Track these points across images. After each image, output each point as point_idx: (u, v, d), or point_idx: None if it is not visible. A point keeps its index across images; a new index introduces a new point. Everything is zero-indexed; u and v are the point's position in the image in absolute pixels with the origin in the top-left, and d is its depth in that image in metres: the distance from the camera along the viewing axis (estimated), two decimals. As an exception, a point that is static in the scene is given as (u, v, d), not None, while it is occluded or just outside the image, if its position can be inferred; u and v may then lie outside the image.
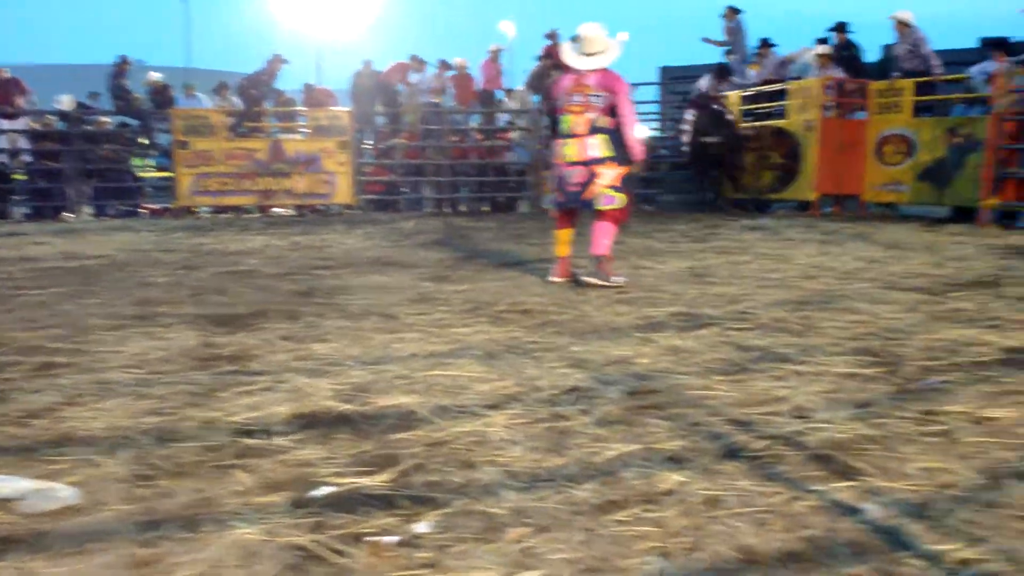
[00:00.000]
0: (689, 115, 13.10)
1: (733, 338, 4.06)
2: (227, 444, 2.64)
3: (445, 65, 15.23)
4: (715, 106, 12.86)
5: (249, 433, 2.74)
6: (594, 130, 5.70)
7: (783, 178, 12.47)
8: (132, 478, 2.38)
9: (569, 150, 5.79)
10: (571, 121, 5.77)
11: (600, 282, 5.73)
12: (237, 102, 14.60)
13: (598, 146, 5.69)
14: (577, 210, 5.98)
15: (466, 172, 14.90)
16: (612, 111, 5.68)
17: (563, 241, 6.07)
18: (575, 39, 5.86)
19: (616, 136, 5.69)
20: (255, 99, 13.80)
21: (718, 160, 13.06)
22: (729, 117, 12.88)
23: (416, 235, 9.88)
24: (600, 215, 5.79)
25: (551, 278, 6.00)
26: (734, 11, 13.96)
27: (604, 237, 5.82)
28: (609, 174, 5.71)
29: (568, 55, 5.83)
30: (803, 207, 12.45)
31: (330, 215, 13.81)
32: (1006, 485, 2.27)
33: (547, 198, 6.23)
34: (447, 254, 7.84)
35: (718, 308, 4.85)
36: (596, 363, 3.61)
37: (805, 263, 6.83)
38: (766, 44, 13.77)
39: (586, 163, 5.72)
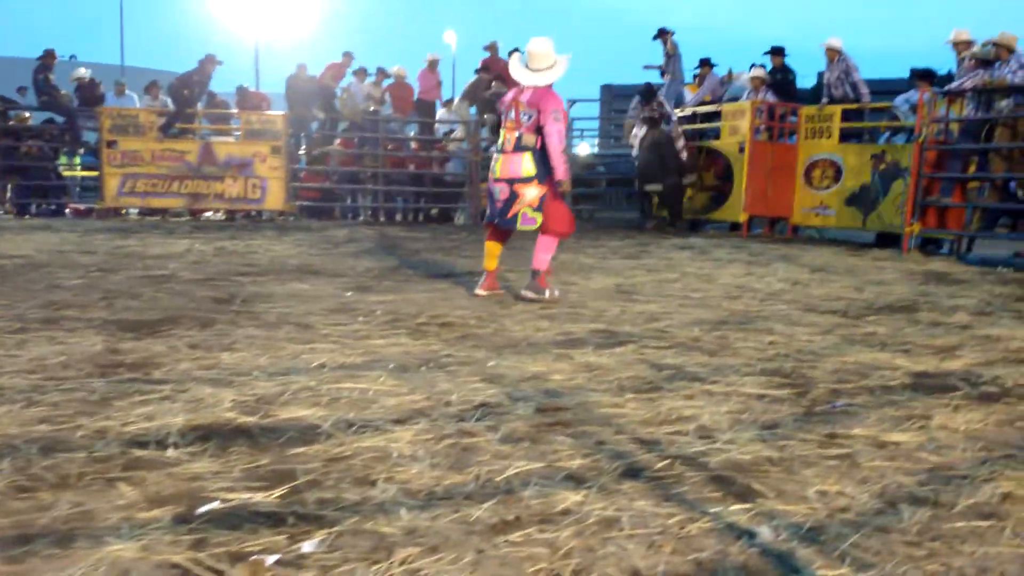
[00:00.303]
0: (640, 131, 13.04)
1: (649, 356, 4.07)
2: (116, 455, 2.54)
3: (383, 73, 15.12)
4: (665, 128, 12.78)
5: (141, 444, 2.64)
6: (520, 147, 5.67)
7: (716, 199, 12.64)
8: (9, 490, 2.27)
9: (497, 166, 5.79)
10: (503, 137, 5.78)
11: (535, 296, 5.72)
12: (168, 102, 14.30)
13: (521, 164, 5.65)
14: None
15: (402, 182, 14.80)
16: (539, 129, 5.64)
17: (490, 254, 6.03)
18: (524, 53, 5.81)
19: (541, 155, 5.66)
20: (186, 100, 13.52)
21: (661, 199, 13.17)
22: (680, 149, 12.87)
23: (347, 244, 9.76)
24: (543, 230, 5.75)
25: (476, 291, 5.96)
26: (665, 32, 14.15)
27: (543, 252, 5.80)
28: (530, 193, 5.66)
29: (515, 69, 5.80)
30: (735, 228, 12.63)
31: (262, 221, 13.59)
32: (900, 510, 2.29)
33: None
34: (376, 264, 7.75)
35: (638, 326, 4.86)
36: (510, 379, 3.57)
37: (729, 283, 6.90)
38: (706, 64, 13.96)
39: (509, 181, 5.70)
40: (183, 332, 4.34)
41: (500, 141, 5.83)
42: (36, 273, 6.54)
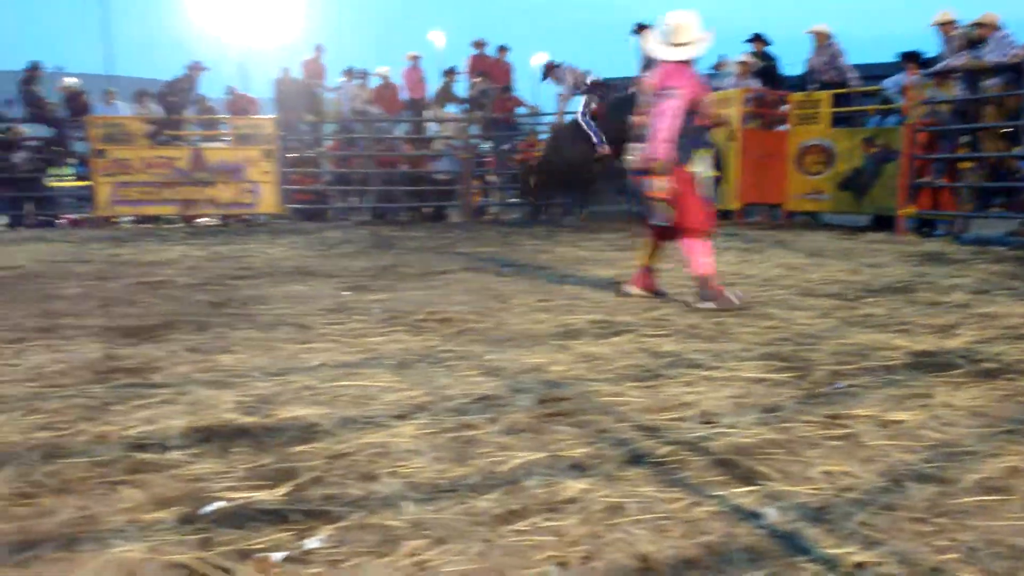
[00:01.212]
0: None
1: (647, 344, 4.06)
2: (118, 459, 2.53)
3: (365, 74, 15.09)
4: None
5: (143, 447, 2.63)
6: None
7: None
8: (12, 496, 2.26)
9: (634, 156, 5.35)
10: (640, 123, 5.34)
11: (713, 305, 5.04)
12: (157, 109, 14.28)
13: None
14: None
15: (394, 181, 14.79)
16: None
17: (646, 250, 5.64)
18: (663, 27, 5.22)
19: (686, 140, 5.10)
20: (174, 107, 13.51)
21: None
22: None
23: (342, 245, 9.75)
24: (684, 233, 5.25)
25: (625, 288, 5.55)
26: (644, 27, 14.15)
27: (692, 254, 5.25)
28: (661, 184, 5.13)
29: (653, 45, 5.25)
30: (727, 216, 12.62)
31: (256, 225, 13.57)
32: (906, 488, 2.29)
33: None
34: (371, 263, 7.74)
35: (635, 315, 4.85)
36: (509, 371, 3.57)
37: (725, 270, 6.89)
38: None
39: (645, 171, 5.22)
40: (181, 336, 4.33)
41: (637, 129, 5.37)
42: (32, 283, 6.52)
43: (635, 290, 5.55)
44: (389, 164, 14.89)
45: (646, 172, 5.18)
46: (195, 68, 13.70)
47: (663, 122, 5.03)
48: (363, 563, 1.89)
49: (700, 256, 5.22)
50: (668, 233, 5.41)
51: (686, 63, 5.16)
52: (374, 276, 6.80)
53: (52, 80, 15.43)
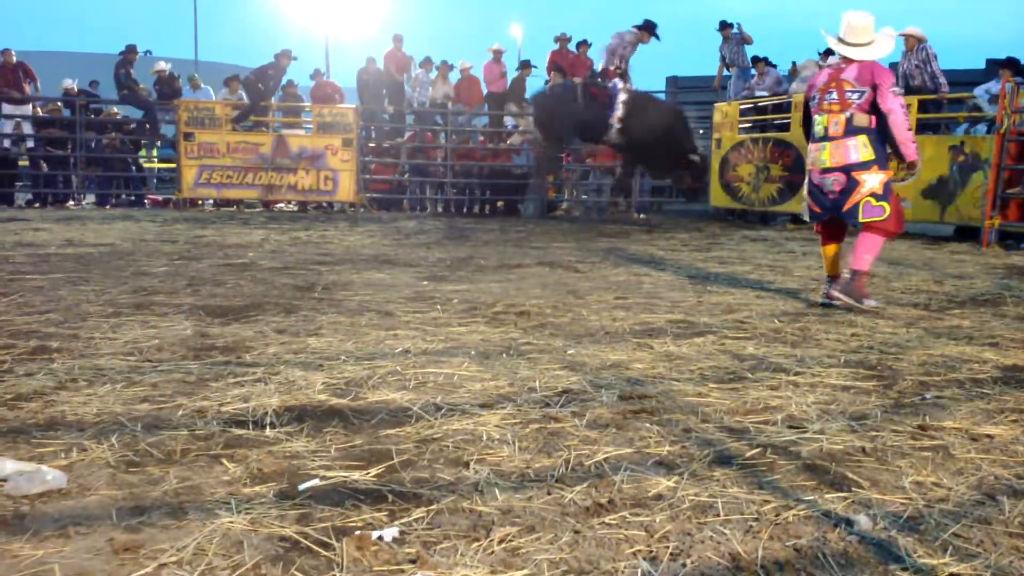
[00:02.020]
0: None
1: (729, 347, 4.05)
2: (216, 434, 2.63)
3: (446, 66, 15.17)
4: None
5: (239, 424, 2.73)
6: (852, 130, 5.09)
7: (784, 191, 12.45)
8: (120, 464, 2.37)
9: (824, 154, 5.21)
10: (826, 121, 5.19)
11: (850, 301, 5.10)
12: (244, 95, 14.59)
13: (857, 148, 5.08)
14: (841, 222, 5.43)
15: (471, 175, 14.88)
16: (873, 108, 5.06)
17: (829, 260, 5.53)
18: (842, 25, 5.17)
19: (877, 136, 5.10)
20: (261, 93, 13.78)
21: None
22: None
23: (418, 235, 9.87)
24: (867, 226, 5.19)
25: (832, 292, 5.27)
26: (727, 25, 14.02)
27: (867, 252, 5.23)
28: (872, 180, 5.09)
29: (835, 43, 5.19)
30: (796, 220, 12.44)
31: (333, 212, 13.80)
32: (1000, 501, 2.25)
33: (803, 208, 5.79)
34: (447, 254, 7.82)
35: (716, 316, 4.83)
36: (591, 366, 3.59)
37: (805, 275, 6.82)
38: (762, 61, 13.73)
39: (845, 168, 5.12)
40: (269, 318, 4.45)
41: (820, 128, 5.23)
42: (122, 260, 6.75)
43: (843, 297, 5.22)
44: (466, 157, 14.99)
45: (860, 167, 5.10)
46: (284, 56, 13.94)
47: (907, 120, 5.05)
48: (456, 546, 1.93)
49: (873, 254, 5.29)
50: (840, 233, 5.49)
51: (877, 62, 5.13)
52: (451, 267, 6.88)
53: (144, 64, 15.86)
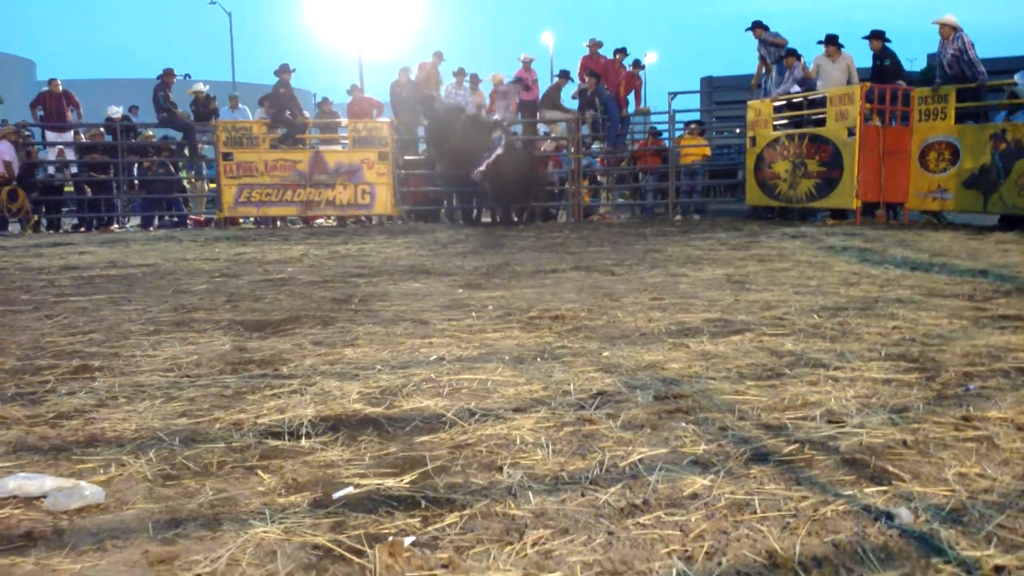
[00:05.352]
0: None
1: (767, 344, 4.00)
2: (252, 445, 2.65)
3: (477, 79, 15.18)
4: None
5: (275, 435, 2.74)
6: None
7: (822, 186, 12.30)
8: (157, 478, 2.39)
9: None
10: None
11: None
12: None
13: None
14: None
15: (508, 183, 14.90)
16: None
17: None
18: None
19: None
20: (277, 114, 13.99)
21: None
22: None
23: (454, 244, 9.90)
24: None
25: None
26: (759, 26, 13.92)
27: None
28: None
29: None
30: (840, 215, 12.28)
31: (371, 225, 13.89)
32: (1046, 492, 2.19)
33: None
34: (483, 263, 7.83)
35: (754, 314, 4.78)
36: (626, 368, 3.57)
37: (845, 269, 6.72)
38: (792, 54, 13.59)
39: None
40: (306, 331, 4.48)
41: None
42: (164, 280, 6.85)
43: None
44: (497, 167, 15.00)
45: None
46: (283, 71, 14.10)
47: None
48: (489, 550, 1.92)
49: None
50: None
51: None
52: (487, 274, 6.89)
53: (182, 86, 16.14)
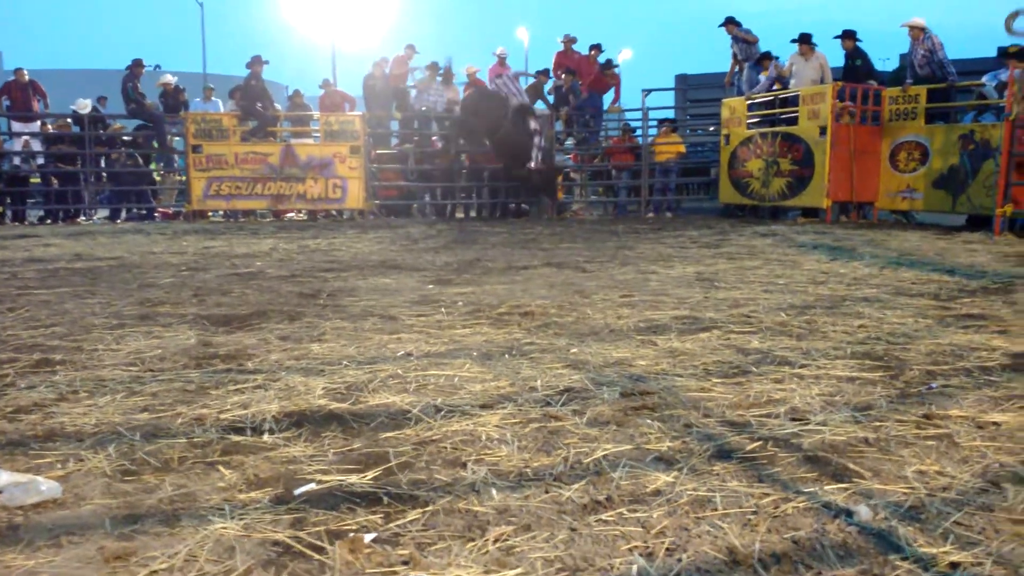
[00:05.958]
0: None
1: (734, 341, 4.01)
2: (215, 441, 2.62)
3: (450, 73, 15.11)
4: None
5: (238, 430, 2.72)
6: None
7: (793, 185, 12.39)
8: (116, 473, 2.36)
9: None
10: None
11: None
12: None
13: None
14: None
15: (480, 178, 14.89)
16: None
17: None
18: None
19: None
20: (246, 108, 13.88)
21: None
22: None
23: (426, 239, 9.87)
24: None
25: None
26: (732, 23, 13.98)
27: None
28: None
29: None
30: (811, 213, 12.37)
31: (343, 220, 13.82)
32: (1004, 489, 2.22)
33: None
34: (454, 258, 7.82)
35: (722, 312, 4.80)
36: (593, 364, 3.57)
37: (814, 268, 6.77)
38: (766, 57, 13.68)
39: None
40: (273, 325, 4.44)
41: None
42: (129, 273, 6.77)
43: None
44: (475, 160, 14.98)
45: None
46: (255, 62, 14.00)
47: None
48: (451, 546, 1.91)
49: None
50: None
51: None
52: (457, 270, 6.87)
53: (151, 78, 15.96)
